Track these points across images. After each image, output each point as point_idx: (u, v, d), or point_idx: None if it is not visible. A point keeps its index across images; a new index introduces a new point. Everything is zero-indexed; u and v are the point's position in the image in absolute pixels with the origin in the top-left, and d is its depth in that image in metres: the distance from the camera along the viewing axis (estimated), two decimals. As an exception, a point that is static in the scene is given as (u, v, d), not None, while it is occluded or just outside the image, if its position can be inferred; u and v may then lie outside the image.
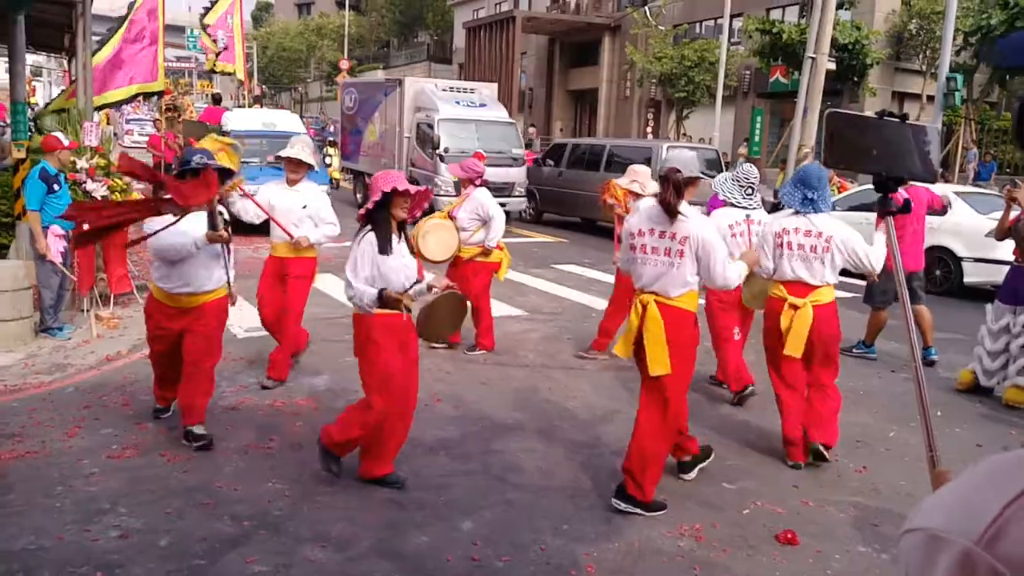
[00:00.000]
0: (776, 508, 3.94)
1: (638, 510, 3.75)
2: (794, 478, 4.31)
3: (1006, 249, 9.01)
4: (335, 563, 3.25)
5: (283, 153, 5.55)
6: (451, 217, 6.25)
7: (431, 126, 14.56)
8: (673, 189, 3.58)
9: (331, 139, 24.17)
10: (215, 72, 18.50)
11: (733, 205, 5.35)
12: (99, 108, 9.18)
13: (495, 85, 17.71)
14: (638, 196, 5.83)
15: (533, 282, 9.56)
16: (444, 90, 15.60)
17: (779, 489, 4.15)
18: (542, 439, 4.57)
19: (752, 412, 5.33)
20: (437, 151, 14.21)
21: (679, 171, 3.62)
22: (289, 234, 5.33)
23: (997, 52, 16.65)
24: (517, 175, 14.88)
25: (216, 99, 18.96)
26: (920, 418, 1.19)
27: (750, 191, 5.36)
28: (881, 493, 4.21)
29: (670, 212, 3.64)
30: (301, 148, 5.45)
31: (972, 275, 9.46)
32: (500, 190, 12.87)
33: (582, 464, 4.40)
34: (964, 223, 9.64)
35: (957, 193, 10.43)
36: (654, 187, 5.50)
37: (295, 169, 5.45)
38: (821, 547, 3.59)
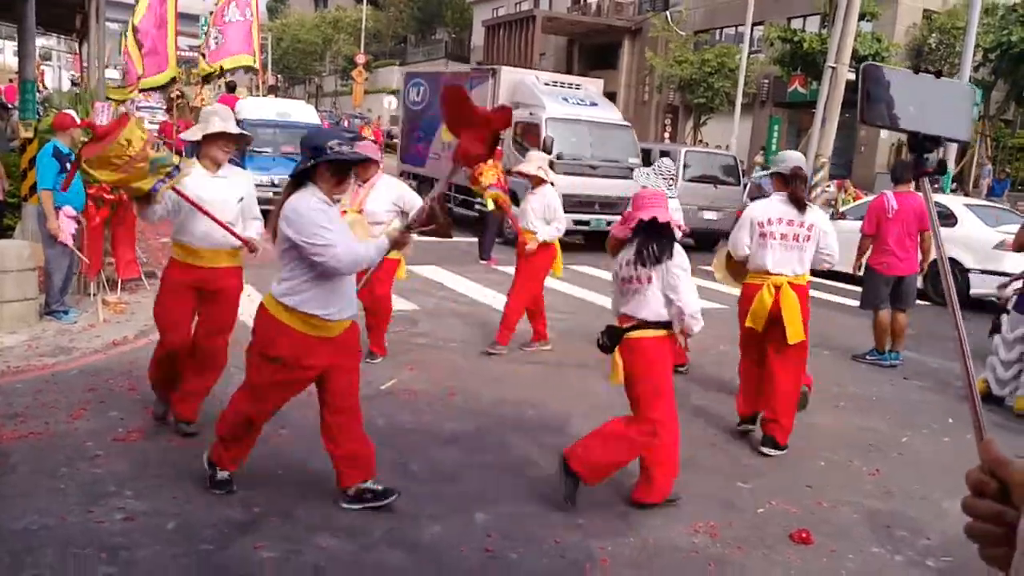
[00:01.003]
0: (791, 508, 3.90)
1: (779, 451, 4.53)
2: (808, 479, 4.27)
3: (1014, 261, 9.02)
4: (346, 551, 3.18)
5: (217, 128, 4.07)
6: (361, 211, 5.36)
7: (536, 126, 12.15)
8: (801, 184, 4.65)
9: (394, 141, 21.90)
10: (221, 73, 16.85)
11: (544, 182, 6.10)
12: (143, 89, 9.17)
13: (600, 82, 15.09)
14: (542, 181, 6.26)
15: (548, 282, 9.48)
16: (547, 84, 13.15)
17: (793, 489, 4.10)
18: (556, 434, 4.51)
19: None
20: (549, 156, 12.33)
21: (802, 169, 4.67)
22: (240, 237, 4.12)
23: None
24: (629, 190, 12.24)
25: (231, 87, 18.82)
26: (967, 395, 1.13)
27: (671, 182, 5.93)
28: (894, 496, 4.18)
29: (800, 204, 4.59)
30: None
31: (979, 286, 9.41)
32: (611, 206, 11.65)
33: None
34: (973, 235, 9.63)
35: (967, 205, 10.39)
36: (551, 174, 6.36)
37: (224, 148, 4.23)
38: (835, 546, 3.56)
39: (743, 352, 4.93)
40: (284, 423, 4.42)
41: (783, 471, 4.38)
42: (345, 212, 4.79)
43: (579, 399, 5.34)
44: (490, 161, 6.40)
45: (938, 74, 1.56)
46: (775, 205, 4.67)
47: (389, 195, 5.43)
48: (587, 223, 11.96)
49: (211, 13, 16.23)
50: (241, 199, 4.18)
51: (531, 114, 12.31)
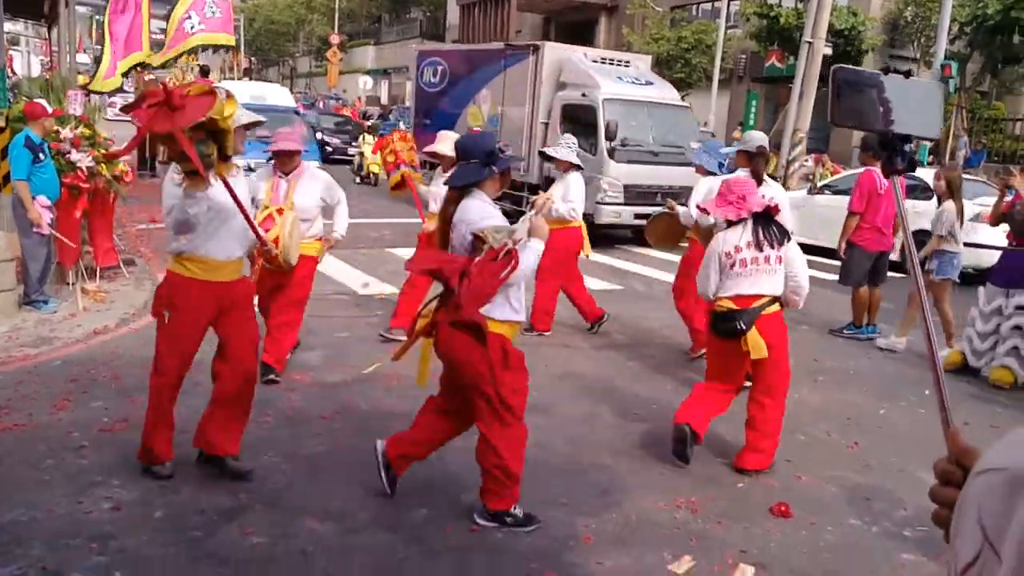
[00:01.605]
0: (771, 482, 4.00)
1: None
2: (788, 453, 4.35)
3: (990, 234, 9.25)
4: (334, 534, 3.23)
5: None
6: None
7: (589, 108, 10.86)
8: (762, 160, 5.30)
9: (369, 123, 21.36)
10: (201, 48, 16.67)
11: (579, 167, 6.35)
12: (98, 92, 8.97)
13: (649, 58, 13.72)
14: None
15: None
16: (595, 61, 11.81)
17: (773, 464, 4.18)
18: (541, 415, 4.56)
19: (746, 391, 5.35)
20: (611, 142, 10.54)
21: (766, 148, 5.34)
22: (263, 239, 3.81)
23: None
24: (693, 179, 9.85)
25: (204, 72, 18.54)
26: (933, 381, 1.18)
27: (574, 151, 6.38)
28: (872, 469, 4.28)
29: (759, 179, 5.04)
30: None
31: None
32: (674, 197, 9.41)
33: (580, 439, 4.41)
34: (948, 207, 9.68)
35: None
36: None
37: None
38: (815, 519, 3.65)
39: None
40: (268, 409, 4.44)
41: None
42: (267, 207, 4.43)
43: (562, 380, 5.41)
44: (402, 137, 6.36)
45: (907, 74, 1.61)
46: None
47: (316, 188, 4.97)
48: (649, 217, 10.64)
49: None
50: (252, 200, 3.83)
51: (583, 95, 10.96)
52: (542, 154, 7.27)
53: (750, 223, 4.00)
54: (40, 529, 3.10)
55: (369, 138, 17.11)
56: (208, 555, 3.02)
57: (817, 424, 4.87)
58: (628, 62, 12.32)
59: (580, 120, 10.97)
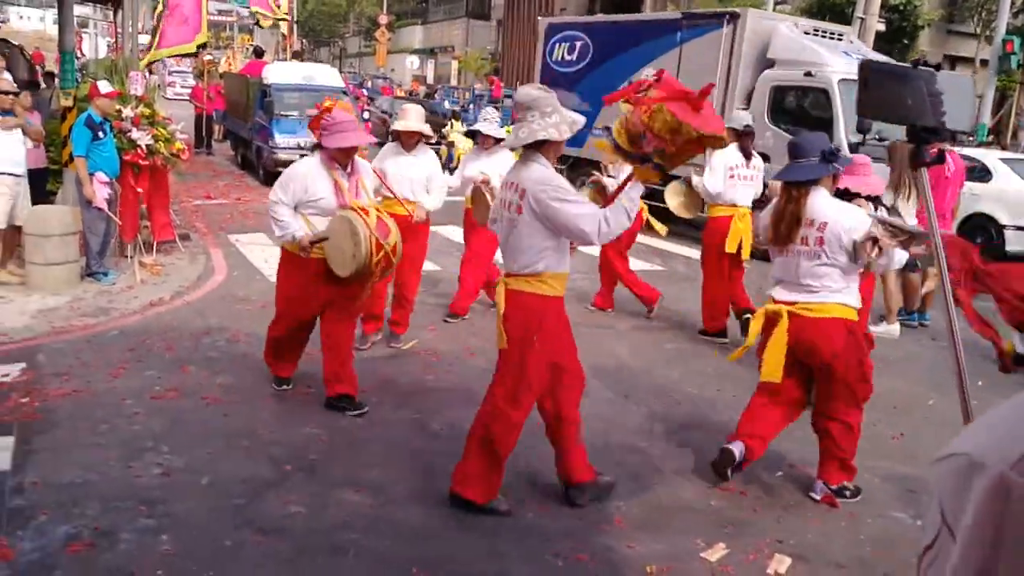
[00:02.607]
0: (810, 471, 3.91)
1: None
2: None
3: None
4: (370, 507, 3.32)
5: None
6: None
7: (818, 92, 8.98)
8: (748, 138, 6.02)
9: (455, 109, 19.56)
10: (259, 26, 16.87)
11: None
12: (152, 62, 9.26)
13: (851, 28, 11.82)
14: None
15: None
16: (809, 33, 9.85)
17: (813, 453, 4.08)
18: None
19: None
20: (866, 135, 8.36)
21: (751, 126, 6.05)
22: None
23: None
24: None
25: (258, 53, 18.85)
26: (956, 383, 1.16)
27: (498, 123, 5.99)
28: (918, 460, 4.16)
29: (747, 154, 6.00)
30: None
31: (1015, 243, 9.21)
32: None
33: (614, 421, 4.41)
34: (1009, 190, 9.36)
35: (1002, 159, 10.09)
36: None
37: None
38: (856, 510, 3.58)
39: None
40: (310, 381, 4.57)
41: (804, 434, 4.33)
42: (368, 209, 4.07)
43: (597, 358, 5.41)
44: None
45: (936, 67, 1.57)
46: (733, 153, 5.86)
47: (370, 178, 4.54)
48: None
49: None
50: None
51: (809, 74, 8.98)
52: (471, 133, 6.58)
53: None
54: (94, 491, 3.27)
55: (458, 125, 15.23)
56: (248, 522, 3.14)
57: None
58: (842, 35, 10.29)
59: (798, 105, 9.33)
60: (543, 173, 3.05)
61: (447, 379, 4.87)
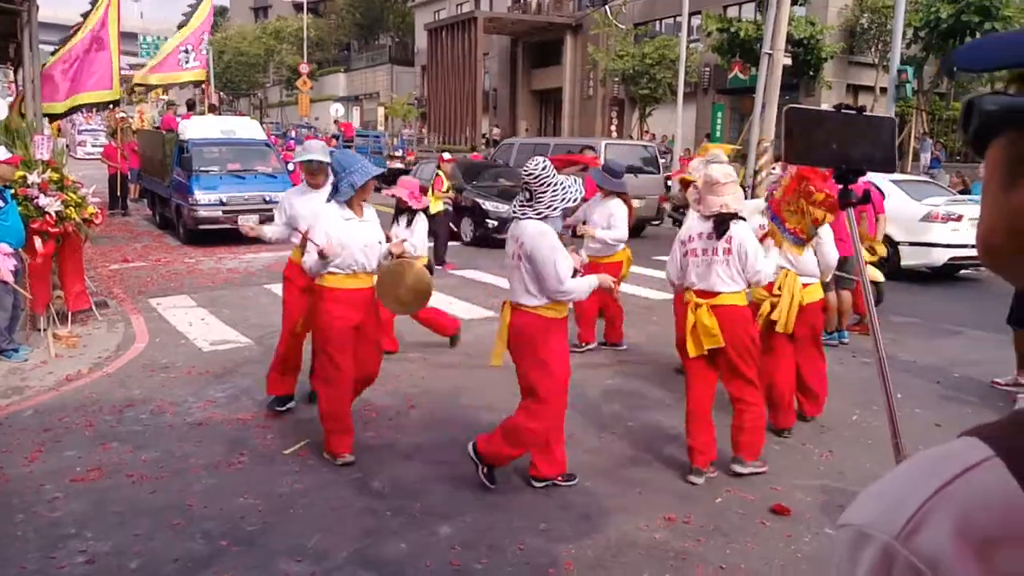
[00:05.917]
0: (747, 495, 4.02)
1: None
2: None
3: (938, 233, 9.65)
4: (313, 575, 3.21)
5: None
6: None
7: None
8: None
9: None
10: (189, 83, 16.26)
11: None
12: (48, 116, 8.94)
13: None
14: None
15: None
16: None
17: (748, 477, 4.22)
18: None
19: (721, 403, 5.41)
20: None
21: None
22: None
23: (953, 62, 17.02)
24: None
25: (190, 105, 18.51)
26: (886, 407, 1.22)
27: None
28: (847, 476, 4.32)
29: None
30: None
31: (910, 258, 10.16)
32: None
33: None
34: (901, 209, 10.08)
35: (893, 181, 10.88)
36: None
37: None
38: (791, 531, 3.68)
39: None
40: (243, 449, 4.41)
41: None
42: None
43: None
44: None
45: (860, 110, 1.68)
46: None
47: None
48: None
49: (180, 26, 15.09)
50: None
51: None
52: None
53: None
54: (12, 587, 3.06)
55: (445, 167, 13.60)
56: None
57: (791, 433, 4.92)
58: None
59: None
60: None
61: (387, 435, 4.79)
